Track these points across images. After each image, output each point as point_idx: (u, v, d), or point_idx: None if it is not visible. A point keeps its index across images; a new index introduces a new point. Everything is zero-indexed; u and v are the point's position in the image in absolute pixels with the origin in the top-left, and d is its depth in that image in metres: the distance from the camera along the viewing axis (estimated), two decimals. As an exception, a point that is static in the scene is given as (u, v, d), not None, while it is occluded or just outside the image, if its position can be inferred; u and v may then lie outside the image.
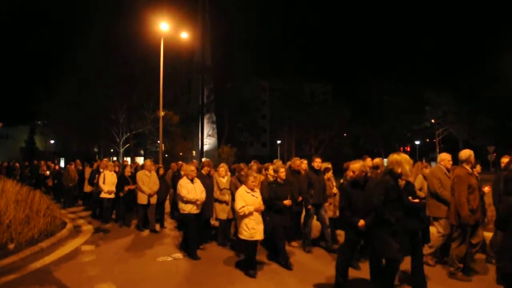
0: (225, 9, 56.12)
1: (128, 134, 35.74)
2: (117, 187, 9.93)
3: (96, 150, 43.60)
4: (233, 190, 6.97)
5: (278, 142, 52.90)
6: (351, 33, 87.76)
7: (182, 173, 9.54)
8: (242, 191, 5.75)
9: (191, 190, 6.81)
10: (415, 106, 46.33)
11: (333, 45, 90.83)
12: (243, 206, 5.56)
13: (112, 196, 10.03)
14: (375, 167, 6.68)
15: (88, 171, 12.85)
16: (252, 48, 54.34)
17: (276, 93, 54.97)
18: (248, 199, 5.65)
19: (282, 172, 6.25)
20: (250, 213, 5.56)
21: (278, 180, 6.26)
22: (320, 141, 46.81)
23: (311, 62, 49.83)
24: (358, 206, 4.70)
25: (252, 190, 5.76)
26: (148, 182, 9.10)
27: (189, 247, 6.85)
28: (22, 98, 48.65)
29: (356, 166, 4.85)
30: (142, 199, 9.04)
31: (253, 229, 5.55)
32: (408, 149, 57.64)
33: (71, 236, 8.44)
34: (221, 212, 7.51)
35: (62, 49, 37.05)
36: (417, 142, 52.46)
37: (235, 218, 7.60)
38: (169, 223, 10.15)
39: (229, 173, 7.98)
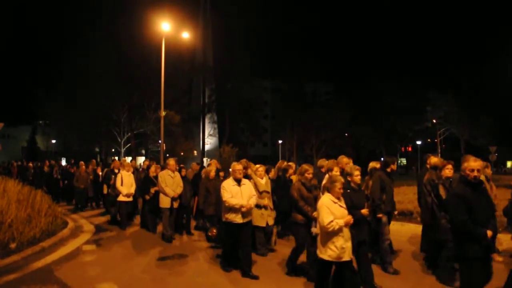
0: (227, 9, 56.33)
1: (130, 134, 35.77)
2: (142, 188, 9.28)
3: (97, 150, 43.67)
4: (296, 196, 5.64)
5: (280, 142, 52.87)
6: (352, 33, 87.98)
7: (203, 174, 8.93)
8: (327, 200, 4.58)
9: (236, 194, 5.78)
10: (416, 106, 46.30)
11: (334, 45, 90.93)
12: (332, 221, 4.40)
13: (131, 199, 9.50)
14: (434, 168, 6.00)
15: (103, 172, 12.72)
16: (254, 48, 54.54)
17: (277, 93, 54.97)
18: (336, 211, 4.52)
19: (357, 176, 5.20)
20: (340, 229, 4.47)
21: (352, 184, 5.17)
22: (322, 141, 46.78)
23: (312, 62, 49.69)
24: (482, 213, 3.82)
25: (339, 199, 4.66)
26: (171, 183, 8.14)
27: (222, 257, 6.10)
28: (23, 98, 48.91)
29: (481, 164, 3.96)
30: (165, 202, 8.10)
31: (342, 248, 4.43)
32: (410, 149, 57.69)
33: (73, 235, 8.45)
34: (259, 218, 6.60)
35: (63, 49, 37.10)
36: (419, 142, 52.42)
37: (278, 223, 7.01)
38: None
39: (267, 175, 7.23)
